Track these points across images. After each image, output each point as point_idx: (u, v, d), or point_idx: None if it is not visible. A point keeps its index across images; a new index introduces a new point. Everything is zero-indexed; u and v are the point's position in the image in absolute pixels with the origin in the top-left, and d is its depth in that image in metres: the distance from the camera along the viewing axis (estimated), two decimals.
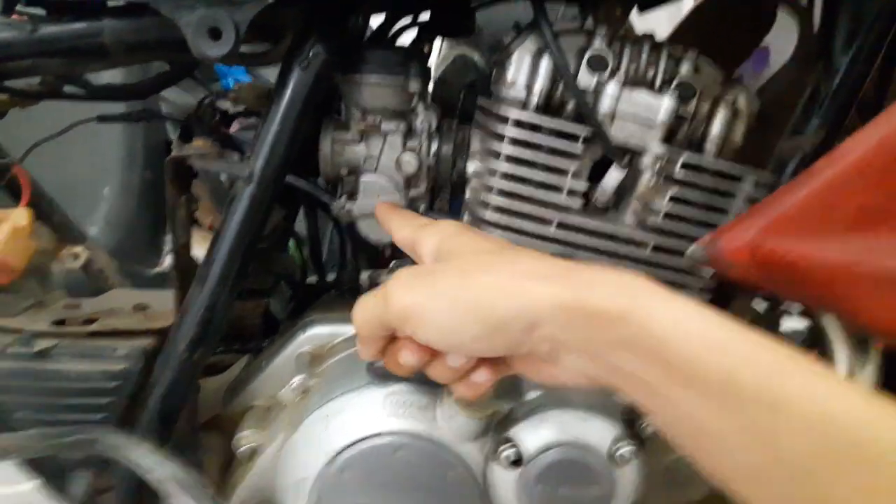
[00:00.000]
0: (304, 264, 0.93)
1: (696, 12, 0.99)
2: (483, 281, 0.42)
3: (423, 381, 0.62)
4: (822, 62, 0.74)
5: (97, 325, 0.65)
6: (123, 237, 1.39)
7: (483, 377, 0.48)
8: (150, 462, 0.56)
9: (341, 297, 0.83)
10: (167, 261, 1.48)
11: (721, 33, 0.97)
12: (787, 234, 0.56)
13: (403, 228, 0.58)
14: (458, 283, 0.43)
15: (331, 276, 0.93)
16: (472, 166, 0.71)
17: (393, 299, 0.44)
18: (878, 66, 0.72)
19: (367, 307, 0.47)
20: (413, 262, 0.80)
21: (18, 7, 0.64)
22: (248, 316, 0.88)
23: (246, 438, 0.71)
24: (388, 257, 1.37)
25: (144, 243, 1.45)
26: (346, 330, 0.74)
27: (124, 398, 0.63)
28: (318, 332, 0.74)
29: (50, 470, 0.66)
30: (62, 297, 0.82)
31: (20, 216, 0.60)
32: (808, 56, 0.81)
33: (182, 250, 0.65)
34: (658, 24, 0.92)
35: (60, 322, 0.67)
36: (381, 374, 0.62)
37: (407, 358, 0.47)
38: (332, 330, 0.74)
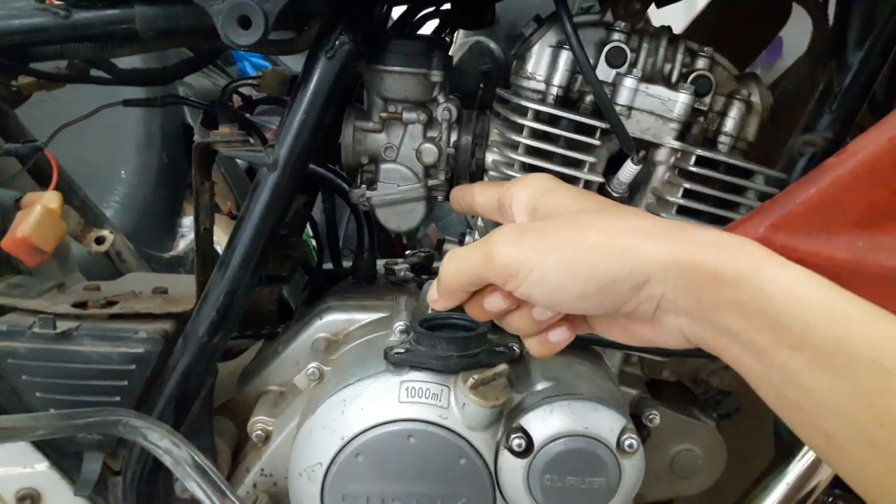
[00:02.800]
0: (320, 250, 0.94)
1: (711, 6, 0.99)
2: (594, 238, 0.42)
3: (436, 370, 0.63)
4: (835, 59, 0.74)
5: (118, 307, 0.66)
6: (139, 220, 1.40)
7: (561, 336, 0.48)
8: (168, 445, 0.58)
9: (357, 284, 0.84)
10: (182, 244, 1.50)
11: (736, 27, 0.97)
12: (796, 230, 0.56)
13: (487, 190, 0.55)
14: (568, 240, 0.42)
15: (345, 264, 0.95)
16: (490, 156, 0.71)
17: (498, 253, 0.43)
18: (889, 64, 0.72)
19: (463, 259, 0.46)
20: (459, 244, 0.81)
21: None
22: (263, 301, 0.89)
23: (260, 423, 0.72)
24: (403, 246, 1.38)
25: (160, 226, 1.46)
26: (363, 317, 0.75)
27: (143, 381, 0.64)
28: (334, 319, 0.75)
29: (63, 451, 0.67)
30: (81, 280, 0.83)
31: (51, 199, 0.61)
32: (821, 52, 0.81)
33: (205, 235, 0.66)
34: (675, 18, 0.92)
35: (81, 304, 0.68)
36: (397, 361, 0.63)
37: (495, 303, 0.47)
38: (349, 317, 0.75)
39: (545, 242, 0.43)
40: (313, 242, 1.05)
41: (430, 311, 0.65)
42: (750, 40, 0.95)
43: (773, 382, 0.38)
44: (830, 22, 0.79)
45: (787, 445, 0.86)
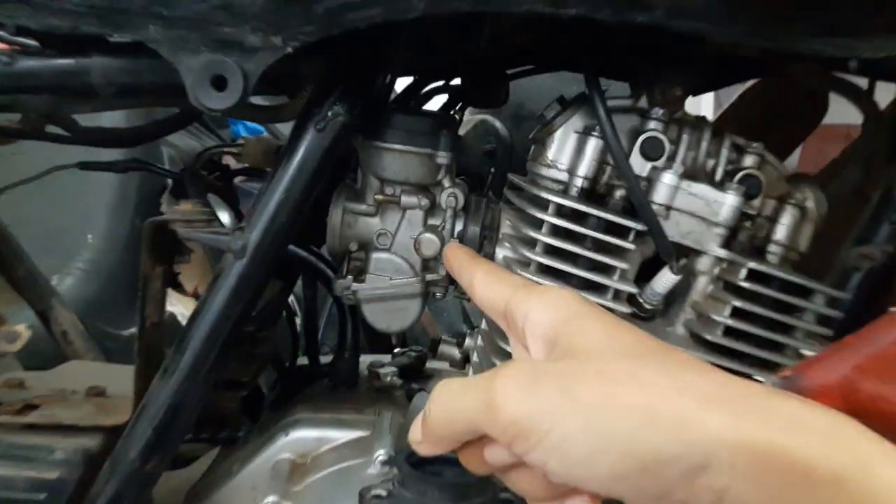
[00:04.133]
0: (295, 341, 0.82)
1: (742, 99, 0.92)
2: (635, 398, 0.32)
3: None
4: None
5: (36, 414, 0.54)
6: (102, 291, 1.27)
7: None
8: None
9: (335, 388, 0.72)
10: None
11: (769, 122, 0.90)
12: (889, 376, 0.45)
13: (494, 284, 0.44)
14: (600, 396, 0.32)
15: (324, 359, 0.82)
16: (501, 252, 0.61)
17: (504, 404, 0.33)
18: None
19: (456, 402, 0.36)
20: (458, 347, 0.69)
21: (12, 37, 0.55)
22: (225, 397, 0.77)
23: None
24: (393, 346, 1.26)
25: (124, 299, 1.32)
26: (338, 435, 0.63)
27: None
28: (303, 437, 0.63)
29: None
30: (13, 366, 0.70)
31: None
32: (874, 152, 0.73)
33: (151, 331, 0.54)
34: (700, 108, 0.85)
35: None
36: None
37: (499, 455, 0.36)
38: (321, 434, 0.63)
39: (569, 396, 0.33)
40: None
41: None
42: (784, 137, 0.87)
43: None
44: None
45: None
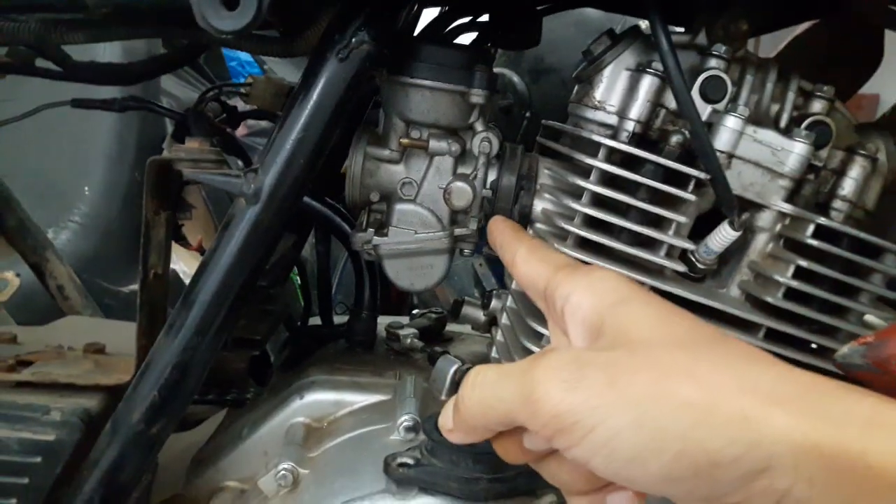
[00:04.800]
0: (307, 301, 0.77)
1: (793, 44, 0.85)
2: (690, 394, 0.30)
3: (458, 496, 0.46)
4: None
5: (30, 371, 0.49)
6: (99, 245, 1.22)
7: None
8: None
9: (351, 350, 0.67)
10: None
11: (822, 70, 0.83)
12: None
13: (536, 262, 0.42)
14: (651, 391, 0.30)
15: (336, 319, 0.77)
16: (540, 204, 0.56)
17: (545, 397, 0.32)
18: None
19: (493, 392, 0.35)
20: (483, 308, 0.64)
21: None
22: (233, 358, 0.72)
23: None
24: (401, 301, 1.21)
25: (123, 255, 1.26)
26: (356, 399, 0.59)
27: (51, 479, 0.46)
28: (318, 399, 0.59)
29: None
30: (5, 321, 0.65)
31: None
32: None
33: (154, 283, 0.49)
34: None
35: None
36: (403, 479, 0.46)
37: (536, 445, 0.35)
38: (338, 397, 0.59)
39: (616, 388, 0.31)
40: (297, 280, 0.88)
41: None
42: (839, 85, 0.81)
43: None
44: None
45: None
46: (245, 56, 1.85)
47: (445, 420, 0.38)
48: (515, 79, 1.29)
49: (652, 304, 0.36)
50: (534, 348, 0.53)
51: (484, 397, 0.35)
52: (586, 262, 0.49)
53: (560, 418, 0.31)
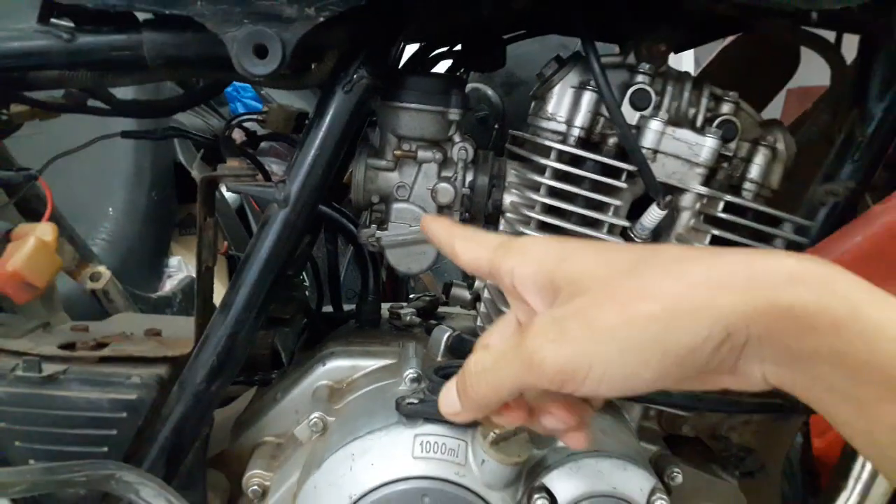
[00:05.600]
0: (320, 293, 0.90)
1: (721, 55, 0.99)
2: (652, 309, 0.35)
3: (453, 423, 0.59)
4: (857, 108, 0.74)
5: (109, 349, 0.61)
6: (125, 259, 1.35)
7: (555, 424, 0.43)
8: (161, 502, 0.52)
9: (360, 329, 0.80)
10: (168, 285, 1.44)
11: (746, 77, 0.97)
12: (865, 271, 0.54)
13: (474, 249, 0.45)
14: (620, 320, 0.36)
15: (345, 307, 0.90)
16: (508, 198, 0.69)
17: (543, 359, 0.37)
18: None
19: (499, 373, 0.39)
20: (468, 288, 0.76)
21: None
22: (257, 346, 0.85)
23: (256, 477, 0.67)
24: (395, 293, 1.34)
25: (146, 266, 1.40)
26: (369, 363, 0.71)
27: (134, 430, 0.59)
28: (338, 365, 0.71)
29: None
30: (67, 319, 0.78)
31: (45, 231, 0.56)
32: (839, 100, 0.81)
33: (206, 274, 0.62)
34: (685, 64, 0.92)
35: (69, 346, 0.63)
36: (411, 413, 0.59)
37: (555, 423, 0.42)
38: (354, 363, 0.71)
39: (594, 329, 0.36)
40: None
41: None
42: (759, 90, 0.95)
43: (876, 439, 0.34)
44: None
45: None
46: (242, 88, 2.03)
47: (450, 405, 0.43)
48: (490, 92, 1.42)
49: (587, 249, 0.41)
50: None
51: (492, 381, 0.40)
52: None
53: (563, 371, 0.36)
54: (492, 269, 0.44)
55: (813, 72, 0.88)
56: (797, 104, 1.02)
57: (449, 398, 0.43)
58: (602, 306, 0.37)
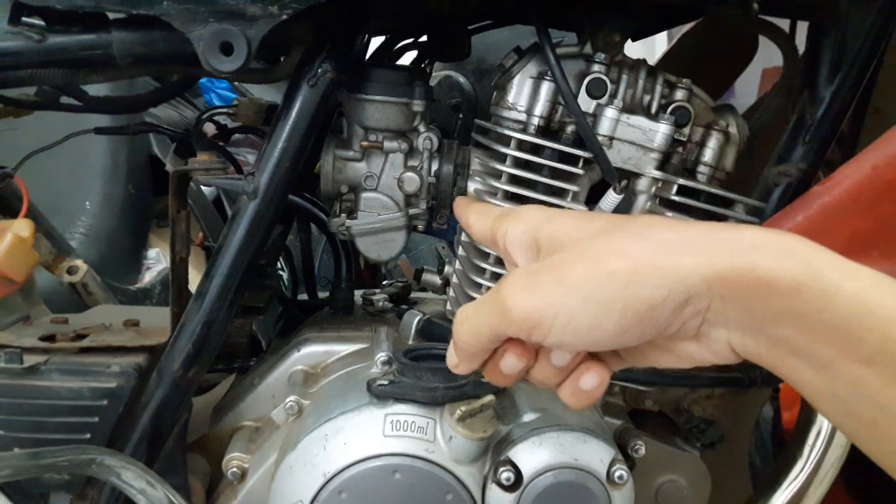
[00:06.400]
0: (295, 281, 0.92)
1: (681, 41, 1.02)
2: (617, 265, 0.37)
3: (422, 402, 0.62)
4: (807, 91, 0.77)
5: (89, 340, 0.63)
6: (104, 252, 1.36)
7: (592, 382, 0.42)
8: (143, 485, 0.55)
9: (334, 315, 0.83)
10: (147, 276, 1.45)
11: (706, 61, 1.00)
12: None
13: (482, 220, 0.50)
14: (589, 273, 0.37)
15: (320, 295, 0.93)
16: (472, 185, 0.71)
17: (513, 305, 0.38)
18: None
19: (477, 319, 0.41)
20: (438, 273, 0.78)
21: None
22: (235, 334, 0.87)
23: (235, 459, 0.70)
24: (373, 280, 1.37)
25: (125, 258, 1.42)
26: (342, 348, 0.74)
27: (115, 417, 0.61)
28: (312, 351, 0.73)
29: (27, 492, 0.64)
30: (46, 312, 0.80)
31: (22, 227, 0.58)
32: (792, 85, 0.84)
33: (180, 265, 0.64)
34: (643, 53, 0.94)
35: (49, 338, 0.65)
36: (381, 394, 0.62)
37: (512, 365, 0.42)
38: (328, 348, 0.74)
39: (563, 281, 0.38)
40: (282, 274, 1.03)
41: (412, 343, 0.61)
42: (719, 74, 0.98)
43: (839, 398, 0.35)
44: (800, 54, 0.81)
45: (766, 477, 0.86)
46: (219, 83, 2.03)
47: (451, 359, 0.45)
48: (461, 79, 1.45)
49: (569, 215, 0.44)
50: (475, 295, 0.69)
51: (471, 326, 0.42)
52: None
53: (529, 318, 0.38)
54: (493, 234, 0.47)
55: None
56: (772, 83, 1.05)
57: (450, 353, 0.45)
58: (573, 262, 0.39)
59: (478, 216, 0.51)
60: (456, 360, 0.44)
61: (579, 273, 0.38)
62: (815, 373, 0.35)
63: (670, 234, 0.38)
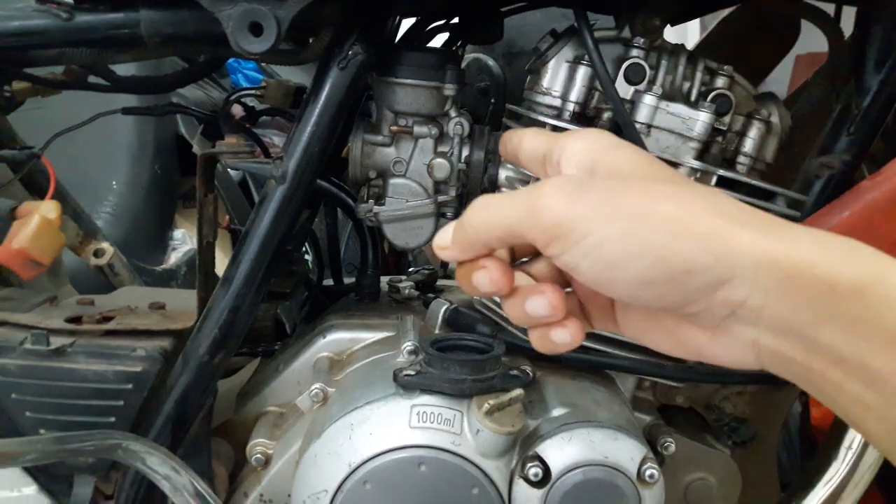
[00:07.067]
0: (321, 266, 0.91)
1: (721, 25, 0.99)
2: (671, 212, 0.33)
3: (449, 394, 0.60)
4: (854, 81, 0.73)
5: (114, 323, 0.63)
6: (130, 232, 1.37)
7: (563, 339, 0.39)
8: (167, 471, 0.55)
9: (360, 301, 0.82)
10: (173, 257, 1.46)
11: (746, 47, 0.97)
12: None
13: (536, 138, 0.44)
14: (640, 211, 0.34)
15: (346, 280, 0.92)
16: (504, 172, 0.69)
17: (548, 205, 0.35)
18: None
19: (499, 209, 0.37)
20: None
21: None
22: (260, 318, 0.87)
23: (259, 445, 0.69)
24: (397, 267, 1.36)
25: (151, 239, 1.42)
26: (368, 336, 0.73)
27: (140, 401, 0.61)
28: (338, 338, 0.72)
29: (53, 475, 0.64)
30: (73, 293, 0.80)
31: (49, 209, 0.58)
32: (835, 73, 0.80)
33: (207, 248, 0.63)
34: (683, 38, 0.91)
35: (76, 319, 0.65)
36: (408, 384, 0.61)
37: (482, 282, 0.38)
38: (353, 336, 0.73)
39: (611, 203, 0.34)
40: (307, 258, 1.02)
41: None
42: (759, 61, 0.95)
43: (891, 419, 0.32)
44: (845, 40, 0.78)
45: (798, 478, 0.84)
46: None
47: (443, 239, 0.40)
48: (491, 62, 1.42)
49: (640, 152, 0.39)
50: None
51: (490, 212, 0.37)
52: None
53: (559, 226, 0.34)
54: (547, 151, 0.42)
55: (822, 38, 0.87)
56: (806, 71, 1.01)
57: (443, 232, 0.41)
58: (629, 191, 0.35)
59: (532, 137, 0.45)
60: (448, 242, 0.40)
61: (633, 203, 0.34)
62: (865, 388, 0.32)
63: (735, 206, 0.34)
